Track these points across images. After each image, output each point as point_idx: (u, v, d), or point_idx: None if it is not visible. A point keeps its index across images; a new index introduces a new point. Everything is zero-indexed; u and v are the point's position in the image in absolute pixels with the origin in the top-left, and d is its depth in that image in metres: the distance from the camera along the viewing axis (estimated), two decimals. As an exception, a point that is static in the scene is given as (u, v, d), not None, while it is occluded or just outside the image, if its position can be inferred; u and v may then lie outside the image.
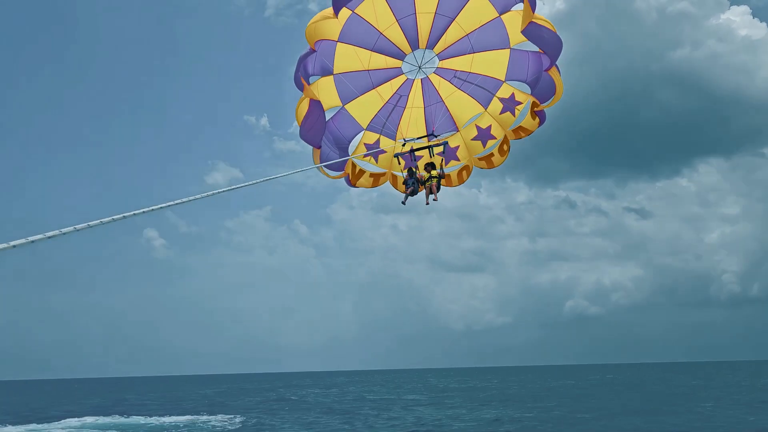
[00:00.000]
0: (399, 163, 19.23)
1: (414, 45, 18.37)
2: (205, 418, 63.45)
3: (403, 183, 19.26)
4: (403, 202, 19.00)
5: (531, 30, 16.42)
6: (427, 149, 19.02)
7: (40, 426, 59.00)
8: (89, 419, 64.63)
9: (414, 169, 18.99)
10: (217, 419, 61.46)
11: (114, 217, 7.93)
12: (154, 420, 62.54)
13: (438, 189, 18.74)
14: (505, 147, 19.22)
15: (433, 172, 18.89)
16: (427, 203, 18.83)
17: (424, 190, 18.90)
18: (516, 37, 17.97)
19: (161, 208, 9.00)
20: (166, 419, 62.84)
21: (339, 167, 19.22)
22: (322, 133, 18.17)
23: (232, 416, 63.34)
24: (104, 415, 69.23)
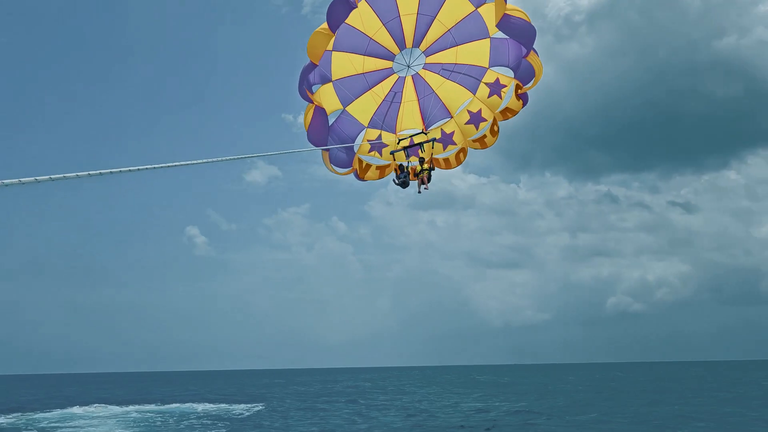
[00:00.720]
0: (394, 160, 21.08)
1: (401, 45, 20.11)
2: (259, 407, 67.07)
3: (394, 180, 21.11)
4: (396, 182, 21.08)
5: (504, 22, 18.08)
6: (418, 145, 20.88)
7: (80, 410, 67.30)
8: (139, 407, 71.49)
9: (405, 165, 20.85)
10: (257, 407, 64.79)
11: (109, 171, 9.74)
12: (189, 407, 67.23)
13: (429, 179, 20.59)
14: (495, 128, 20.95)
15: (425, 165, 20.73)
16: (419, 191, 20.79)
17: (416, 181, 20.78)
18: (494, 27, 19.61)
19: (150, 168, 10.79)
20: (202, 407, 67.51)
21: (346, 164, 21.08)
22: (326, 135, 20.01)
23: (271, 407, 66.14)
24: (151, 404, 75.25)
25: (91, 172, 8.93)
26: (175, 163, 10.93)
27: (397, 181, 20.85)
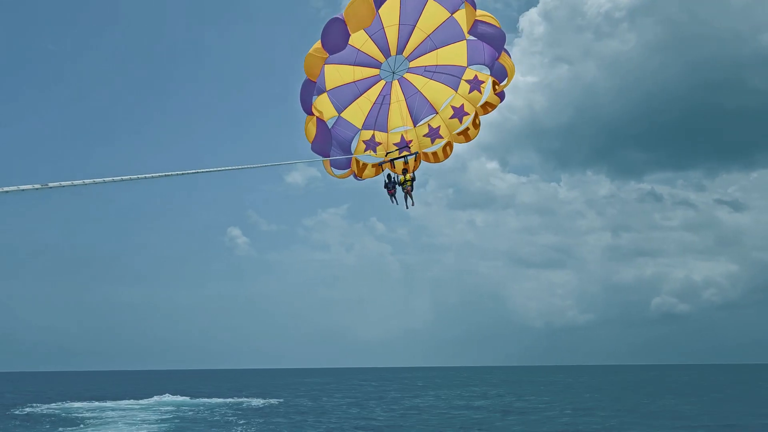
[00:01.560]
0: (382, 169, 23.54)
1: (387, 54, 22.09)
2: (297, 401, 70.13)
3: (384, 187, 23.54)
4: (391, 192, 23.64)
5: (475, 29, 20.12)
6: (402, 159, 23.31)
7: (136, 402, 72.37)
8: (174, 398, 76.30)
9: (390, 177, 23.28)
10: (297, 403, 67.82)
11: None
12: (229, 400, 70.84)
13: (412, 189, 22.99)
14: (477, 121, 23.09)
15: (408, 176, 23.04)
16: (407, 207, 23.32)
17: (403, 193, 23.28)
18: (471, 22, 21.61)
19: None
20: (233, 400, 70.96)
21: (344, 166, 23.24)
22: (330, 143, 22.11)
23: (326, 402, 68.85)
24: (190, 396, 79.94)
25: (122, 177, 11.05)
26: (168, 172, 13.04)
27: (388, 190, 23.34)
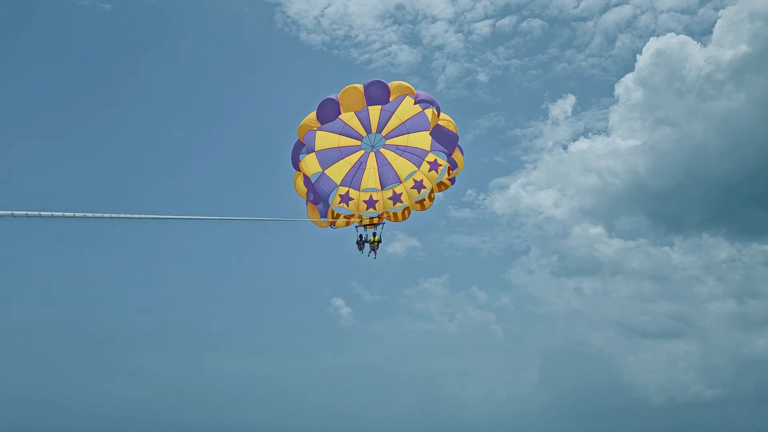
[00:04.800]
0: (357, 229, 29.16)
1: (368, 130, 27.72)
2: None
3: (356, 242, 29.10)
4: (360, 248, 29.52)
5: (435, 131, 25.97)
6: (371, 222, 29.26)
7: None
8: None
9: (361, 236, 28.93)
10: None
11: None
12: None
13: (377, 247, 28.63)
14: (432, 195, 28.80)
15: (375, 238, 28.68)
16: (369, 255, 29.01)
17: (369, 247, 28.94)
18: (434, 124, 27.38)
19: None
20: None
21: (324, 215, 28.65)
22: (310, 192, 27.59)
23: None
24: None
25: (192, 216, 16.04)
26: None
27: (360, 246, 29.12)
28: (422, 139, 27.96)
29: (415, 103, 26.54)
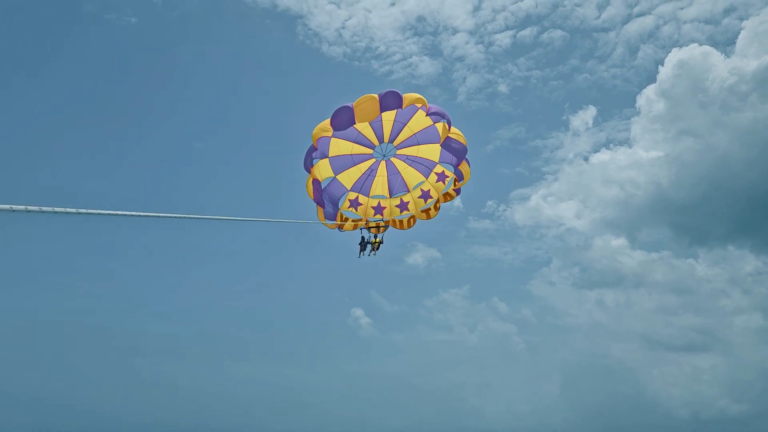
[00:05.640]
0: (361, 232, 30.26)
1: (381, 140, 28.92)
2: None
3: (359, 243, 30.23)
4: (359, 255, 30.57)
5: (446, 143, 27.15)
6: (376, 226, 30.28)
7: None
8: None
9: (364, 238, 30.10)
10: None
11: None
12: None
13: (377, 248, 29.72)
14: (438, 205, 29.89)
15: (377, 240, 29.80)
16: (363, 255, 30.11)
17: (371, 247, 30.11)
18: (444, 136, 28.59)
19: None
20: None
21: (333, 218, 29.74)
22: (321, 195, 28.69)
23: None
24: None
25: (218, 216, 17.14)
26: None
27: (360, 247, 30.18)
28: (432, 151, 29.16)
29: (426, 116, 27.79)
